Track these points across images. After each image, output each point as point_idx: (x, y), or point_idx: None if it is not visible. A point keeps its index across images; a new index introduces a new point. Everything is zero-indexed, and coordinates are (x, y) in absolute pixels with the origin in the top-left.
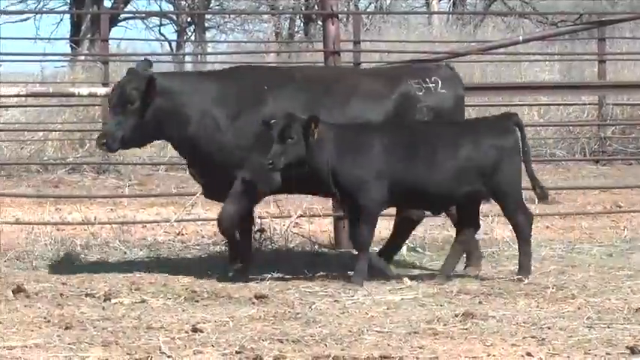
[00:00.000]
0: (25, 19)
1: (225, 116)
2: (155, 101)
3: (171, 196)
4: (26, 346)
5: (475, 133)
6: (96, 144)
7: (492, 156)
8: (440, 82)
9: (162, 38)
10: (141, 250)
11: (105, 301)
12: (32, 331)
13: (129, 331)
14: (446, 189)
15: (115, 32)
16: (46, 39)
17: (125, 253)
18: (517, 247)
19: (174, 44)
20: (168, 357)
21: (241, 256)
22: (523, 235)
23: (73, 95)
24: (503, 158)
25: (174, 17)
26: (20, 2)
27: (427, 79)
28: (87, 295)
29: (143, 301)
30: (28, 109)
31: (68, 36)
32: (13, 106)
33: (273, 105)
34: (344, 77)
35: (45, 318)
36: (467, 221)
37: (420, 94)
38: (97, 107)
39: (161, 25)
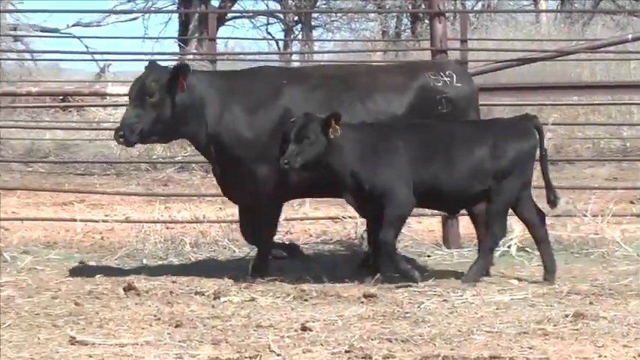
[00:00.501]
0: (134, 19)
1: (246, 113)
2: (179, 95)
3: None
4: (137, 344)
5: (496, 133)
6: (114, 137)
7: (509, 157)
8: (455, 76)
9: (270, 37)
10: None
11: (214, 299)
12: (143, 328)
13: (238, 329)
14: (463, 189)
15: (223, 31)
16: (154, 38)
17: (234, 251)
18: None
19: (281, 43)
20: (278, 355)
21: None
22: (491, 242)
23: None
24: (519, 160)
25: (282, 16)
26: (129, 2)
27: (442, 73)
28: (196, 293)
29: (252, 299)
30: None
31: (176, 35)
32: (123, 105)
33: (291, 102)
34: (362, 73)
35: (155, 316)
36: (482, 221)
37: (439, 85)
38: None
39: (268, 24)
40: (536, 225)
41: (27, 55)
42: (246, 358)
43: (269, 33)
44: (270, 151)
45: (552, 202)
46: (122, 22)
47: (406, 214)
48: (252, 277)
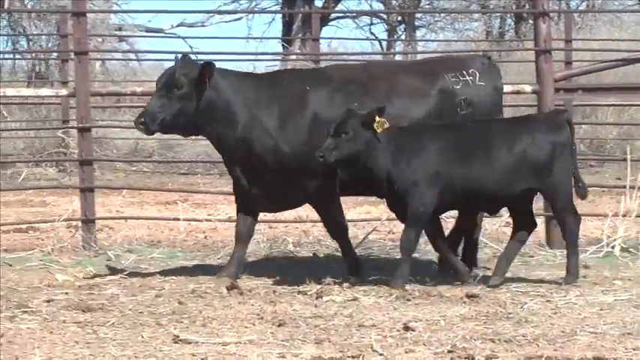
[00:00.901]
0: (238, 19)
1: (272, 117)
2: (206, 93)
3: None
4: (240, 343)
5: (530, 129)
6: (134, 122)
7: (547, 152)
8: (478, 75)
9: (373, 37)
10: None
11: (317, 298)
12: (246, 327)
13: (341, 328)
14: (504, 187)
15: (326, 31)
16: (257, 38)
17: (336, 250)
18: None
19: (384, 43)
20: (380, 355)
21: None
22: (571, 238)
23: None
24: (557, 154)
25: (385, 16)
26: (233, 2)
27: (464, 72)
28: (299, 292)
29: (355, 299)
30: None
31: (280, 35)
32: None
33: (315, 105)
34: (382, 77)
35: (258, 315)
36: (523, 221)
37: (458, 87)
38: None
39: (372, 24)
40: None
41: (132, 56)
42: (348, 357)
43: (372, 33)
44: (302, 157)
45: (581, 193)
46: (226, 22)
47: (426, 216)
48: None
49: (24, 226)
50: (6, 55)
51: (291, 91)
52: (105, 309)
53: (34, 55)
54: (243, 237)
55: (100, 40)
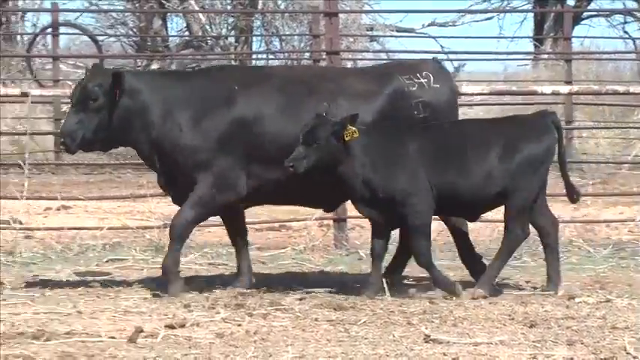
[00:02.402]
0: (489, 18)
1: (190, 118)
2: (121, 100)
3: (635, 195)
4: (491, 343)
5: (513, 131)
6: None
7: (526, 155)
8: (431, 77)
9: (626, 36)
10: (604, 249)
11: (569, 299)
12: (497, 328)
13: (593, 330)
14: (480, 192)
15: (578, 30)
16: (509, 37)
17: (589, 252)
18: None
19: (638, 42)
20: (634, 358)
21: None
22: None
23: (535, 93)
24: (537, 158)
25: (639, 15)
26: (484, 1)
27: (419, 75)
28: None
29: (607, 300)
30: (492, 108)
31: (531, 34)
32: (478, 105)
33: (245, 106)
34: (330, 77)
35: (509, 315)
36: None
37: (413, 89)
38: (559, 105)
39: (625, 22)
40: (548, 232)
41: (382, 55)
42: (601, 359)
43: (626, 32)
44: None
45: (574, 198)
46: (477, 21)
47: (428, 222)
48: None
49: (277, 225)
50: (260, 55)
51: (215, 89)
52: (356, 308)
53: (286, 54)
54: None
55: (351, 39)
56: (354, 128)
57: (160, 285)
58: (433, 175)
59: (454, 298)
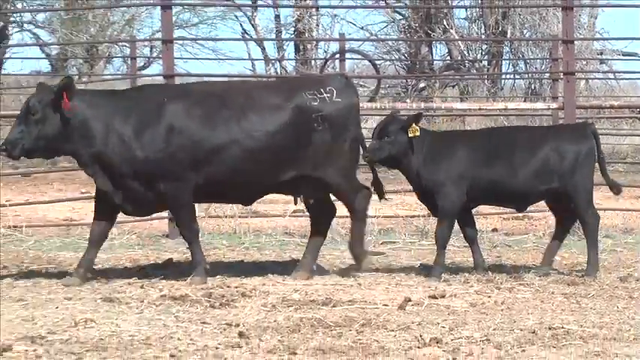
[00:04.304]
0: None
1: (128, 127)
2: (61, 115)
3: None
4: None
5: (557, 138)
6: None
7: (570, 159)
8: (335, 92)
9: None
10: None
11: None
12: None
13: None
14: (530, 187)
15: None
16: None
17: None
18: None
19: None
20: None
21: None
22: (591, 235)
23: None
24: (579, 161)
25: None
26: None
27: (322, 89)
28: None
29: None
30: None
31: None
32: None
33: (171, 118)
34: (241, 91)
35: None
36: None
37: (315, 104)
38: None
39: None
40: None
41: (610, 75)
42: None
43: None
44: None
45: (615, 190)
46: None
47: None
48: None
49: (520, 215)
50: (508, 76)
51: (148, 104)
52: (586, 283)
53: (530, 75)
54: None
55: (584, 62)
56: (417, 127)
57: (424, 266)
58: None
59: None
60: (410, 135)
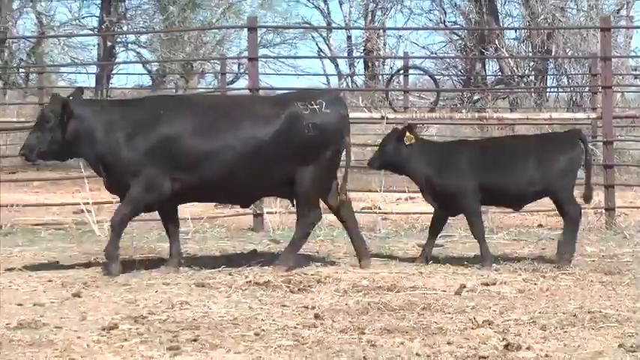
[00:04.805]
0: None
1: (127, 137)
2: (70, 122)
3: None
4: None
5: (548, 144)
6: (18, 154)
7: (561, 162)
8: (324, 104)
9: None
10: None
11: None
12: None
13: None
14: (524, 189)
15: None
16: None
17: None
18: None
19: None
20: None
21: None
22: (570, 226)
23: None
24: (568, 164)
25: None
26: None
27: (313, 102)
28: None
29: None
30: None
31: None
32: None
33: (169, 128)
34: (240, 103)
35: None
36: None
37: (307, 113)
38: None
39: None
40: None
41: None
42: None
43: None
44: (150, 169)
45: (586, 197)
46: None
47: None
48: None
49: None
50: (552, 89)
51: (146, 114)
52: (621, 273)
53: (571, 88)
54: None
55: (620, 77)
56: (411, 135)
57: (478, 257)
58: (489, 176)
59: None
60: (406, 143)
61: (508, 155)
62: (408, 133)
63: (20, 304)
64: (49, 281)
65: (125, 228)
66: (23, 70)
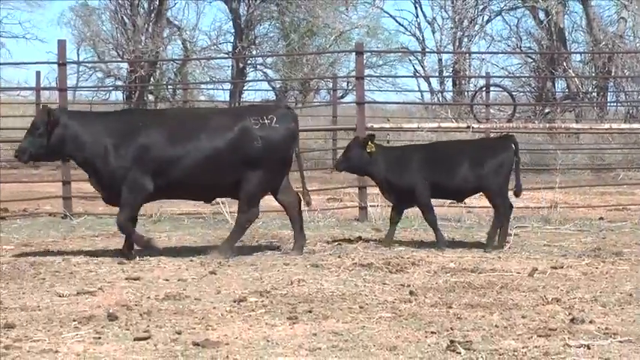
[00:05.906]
0: None
1: (111, 144)
2: (56, 130)
3: None
4: None
5: (483, 148)
6: (13, 155)
7: (492, 163)
8: (275, 119)
9: None
10: None
11: None
12: None
13: None
14: (462, 186)
15: None
16: None
17: None
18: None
19: None
20: None
21: None
22: (498, 218)
23: None
24: (498, 165)
25: None
26: None
27: (265, 116)
28: None
29: None
30: None
31: None
32: None
33: (145, 137)
34: (200, 116)
35: None
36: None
37: (257, 127)
38: None
39: None
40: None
41: None
42: None
43: None
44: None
45: (517, 193)
46: None
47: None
48: None
49: (620, 207)
50: (612, 104)
51: (127, 125)
52: None
53: (629, 103)
54: None
55: None
56: (372, 144)
57: (548, 245)
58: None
59: None
60: (367, 150)
61: (450, 157)
62: (370, 143)
63: (167, 280)
64: (191, 261)
65: (131, 226)
66: (171, 87)
